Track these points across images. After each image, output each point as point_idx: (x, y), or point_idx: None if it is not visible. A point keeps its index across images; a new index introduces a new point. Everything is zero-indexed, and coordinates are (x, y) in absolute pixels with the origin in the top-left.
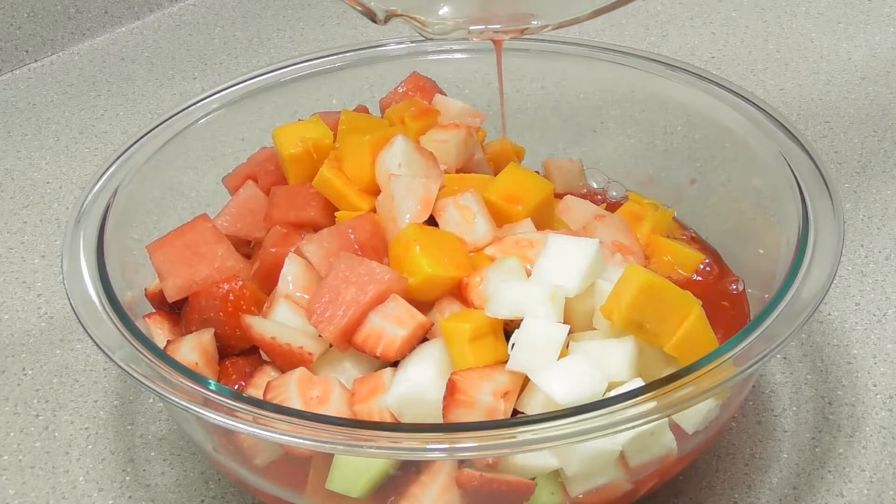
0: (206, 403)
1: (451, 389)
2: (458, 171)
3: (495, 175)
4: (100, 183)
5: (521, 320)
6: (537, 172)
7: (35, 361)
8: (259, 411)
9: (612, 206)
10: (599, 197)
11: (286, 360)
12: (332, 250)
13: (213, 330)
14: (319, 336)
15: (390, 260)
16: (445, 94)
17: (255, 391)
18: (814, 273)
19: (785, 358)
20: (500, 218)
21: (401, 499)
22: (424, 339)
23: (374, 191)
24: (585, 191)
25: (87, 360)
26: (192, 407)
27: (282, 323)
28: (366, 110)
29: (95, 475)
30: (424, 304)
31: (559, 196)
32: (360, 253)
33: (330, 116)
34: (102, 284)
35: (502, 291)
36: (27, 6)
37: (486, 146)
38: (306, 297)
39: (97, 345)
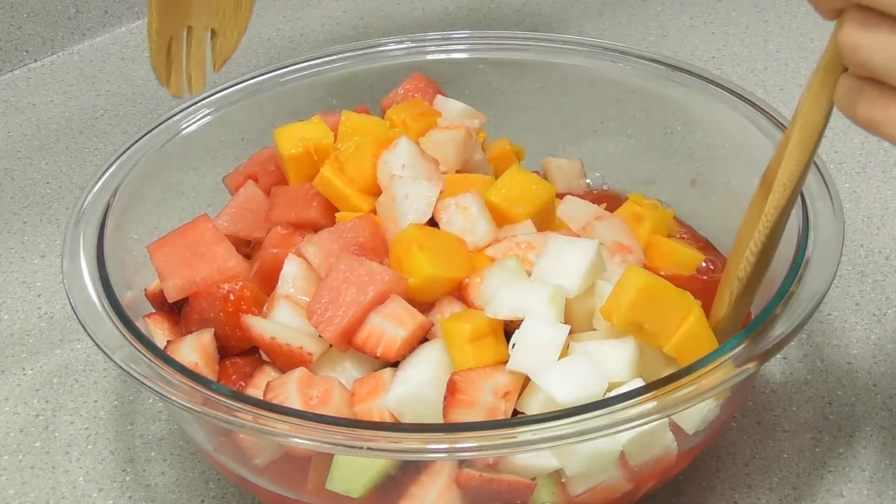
0: (206, 403)
1: (452, 389)
2: (458, 172)
3: (497, 176)
4: (100, 183)
5: (522, 321)
6: (537, 172)
7: (35, 361)
8: (259, 411)
9: (613, 205)
10: (597, 193)
11: (286, 361)
12: (333, 251)
13: (213, 330)
14: (319, 336)
15: (391, 260)
16: (446, 95)
17: (255, 391)
18: (814, 273)
19: (785, 358)
20: (500, 219)
21: (401, 499)
22: (424, 340)
23: (375, 192)
24: (585, 190)
25: (87, 360)
26: (192, 407)
27: (282, 323)
28: (366, 111)
29: (95, 475)
30: (425, 305)
31: (560, 196)
32: (360, 254)
33: (330, 117)
34: (102, 284)
35: (503, 292)
36: (27, 6)
37: (487, 146)
38: (306, 298)
39: (97, 345)
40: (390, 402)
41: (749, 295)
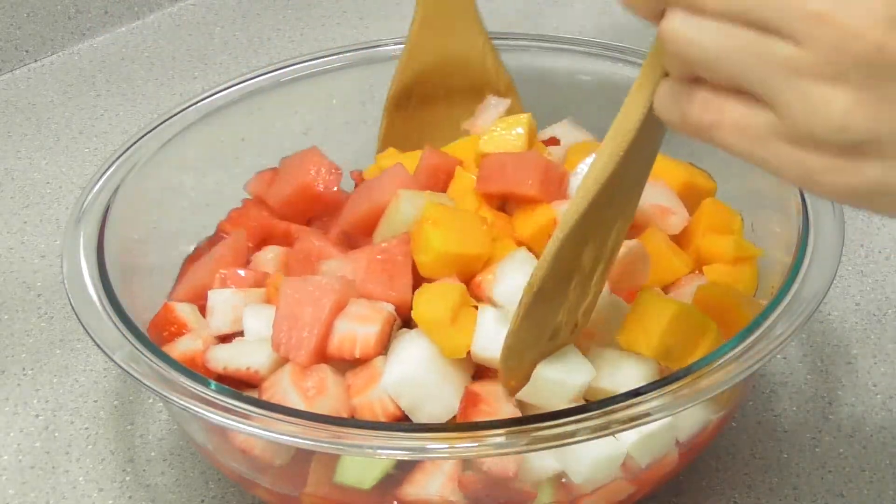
0: (206, 403)
1: (474, 401)
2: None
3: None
4: (100, 183)
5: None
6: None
7: (35, 361)
8: (259, 411)
9: None
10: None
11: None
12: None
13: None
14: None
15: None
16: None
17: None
18: (814, 273)
19: (785, 358)
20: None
21: (406, 485)
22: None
23: None
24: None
25: (87, 360)
26: (192, 407)
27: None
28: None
29: (95, 475)
30: None
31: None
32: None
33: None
34: (102, 284)
35: (512, 277)
36: (27, 6)
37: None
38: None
39: (97, 345)
40: (387, 385)
41: (546, 312)
